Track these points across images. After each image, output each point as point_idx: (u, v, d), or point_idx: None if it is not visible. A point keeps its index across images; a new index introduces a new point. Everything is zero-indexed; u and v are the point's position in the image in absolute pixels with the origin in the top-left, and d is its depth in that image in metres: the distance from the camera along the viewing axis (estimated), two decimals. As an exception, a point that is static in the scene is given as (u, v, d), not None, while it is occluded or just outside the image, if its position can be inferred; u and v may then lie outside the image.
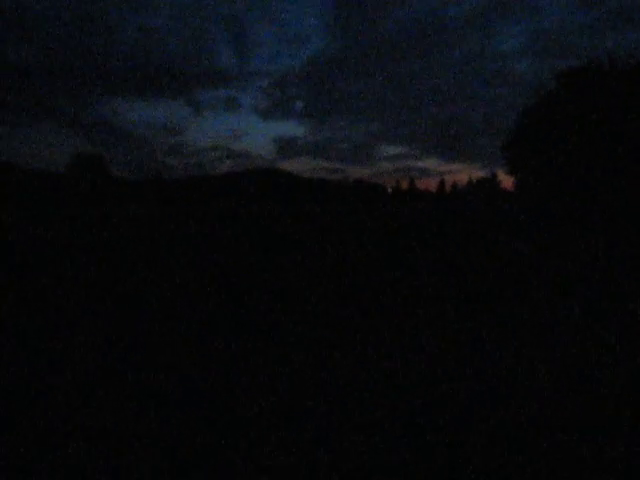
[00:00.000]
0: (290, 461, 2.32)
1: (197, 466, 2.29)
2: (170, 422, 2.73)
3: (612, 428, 2.56)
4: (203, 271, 8.04)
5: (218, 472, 2.26)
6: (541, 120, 21.30)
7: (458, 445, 2.43)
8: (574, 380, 3.23)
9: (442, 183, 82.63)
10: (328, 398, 3.02)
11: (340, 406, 2.92)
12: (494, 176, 60.92)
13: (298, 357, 3.78)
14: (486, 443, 2.44)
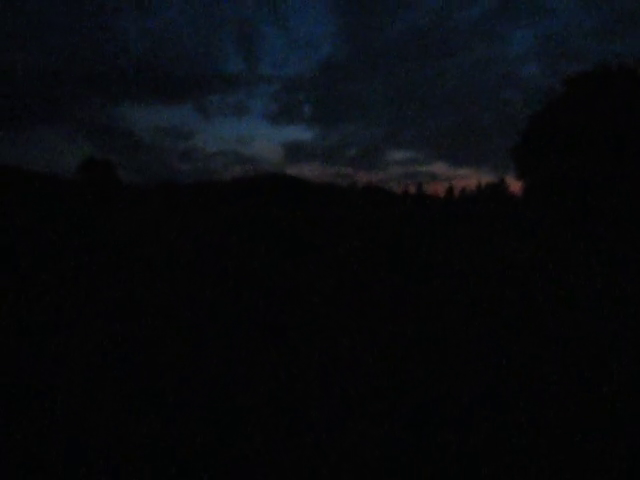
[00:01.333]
0: (293, 458, 2.32)
1: (198, 466, 2.30)
2: (170, 420, 2.74)
3: (614, 429, 2.53)
4: (210, 272, 8.08)
5: (219, 471, 2.26)
6: (550, 124, 21.13)
7: (461, 443, 2.42)
8: (576, 381, 3.20)
9: (450, 188, 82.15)
10: (333, 395, 3.02)
11: (344, 402, 2.91)
12: (502, 181, 60.23)
13: (304, 355, 3.78)
14: (488, 442, 2.43)
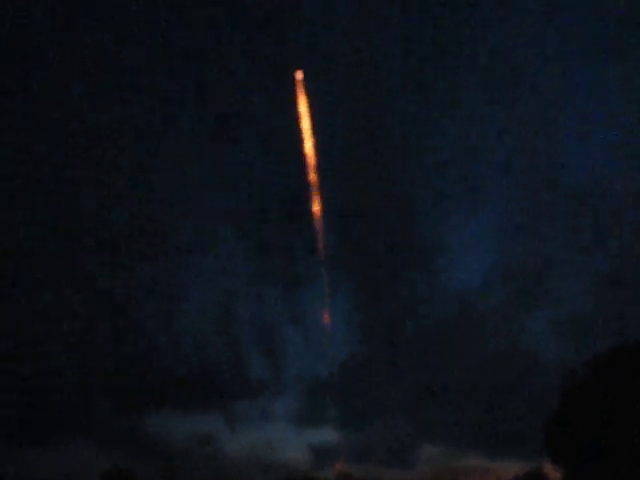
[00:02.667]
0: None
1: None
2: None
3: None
4: None
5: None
6: (577, 408, 20.75)
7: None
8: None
9: (487, 483, 72.81)
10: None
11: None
12: (539, 469, 54.82)
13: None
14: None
